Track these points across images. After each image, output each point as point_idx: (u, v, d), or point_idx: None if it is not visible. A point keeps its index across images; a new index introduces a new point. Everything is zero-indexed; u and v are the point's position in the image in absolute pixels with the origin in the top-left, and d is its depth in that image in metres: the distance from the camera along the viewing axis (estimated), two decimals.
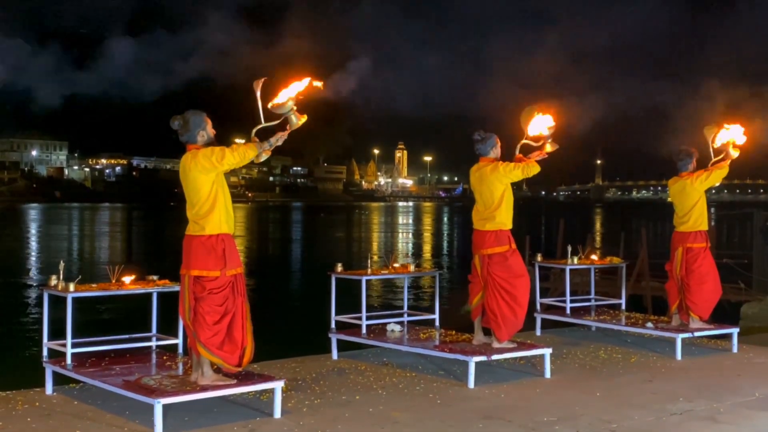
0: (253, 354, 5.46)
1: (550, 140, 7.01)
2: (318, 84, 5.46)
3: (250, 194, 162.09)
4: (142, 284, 6.19)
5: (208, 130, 5.45)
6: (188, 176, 5.34)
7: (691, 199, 8.05)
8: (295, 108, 5.41)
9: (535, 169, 6.86)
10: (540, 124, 7.01)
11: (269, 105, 5.39)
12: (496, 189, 6.86)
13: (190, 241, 5.38)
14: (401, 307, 8.10)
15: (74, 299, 5.77)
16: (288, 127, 5.42)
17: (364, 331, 7.35)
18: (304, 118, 5.44)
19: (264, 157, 5.45)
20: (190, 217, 5.38)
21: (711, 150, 8.17)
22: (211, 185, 5.32)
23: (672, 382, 6.56)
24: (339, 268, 7.44)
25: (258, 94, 5.34)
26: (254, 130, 5.38)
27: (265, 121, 5.38)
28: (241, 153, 5.29)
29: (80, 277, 6.36)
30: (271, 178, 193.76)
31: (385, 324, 7.64)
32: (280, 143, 5.43)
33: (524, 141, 7.04)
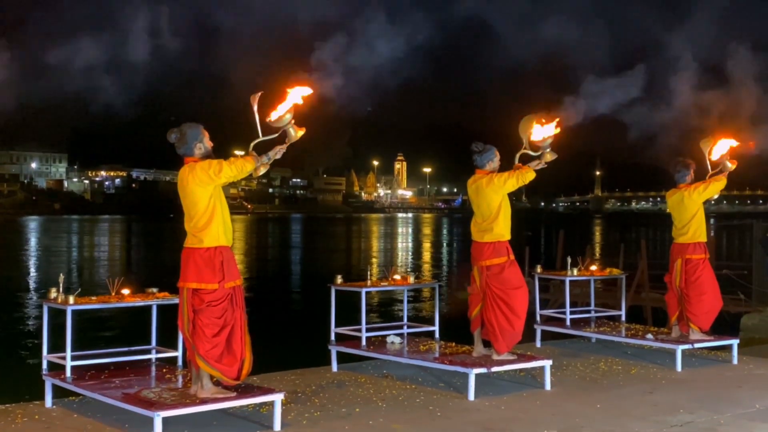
0: (252, 366, 5.45)
1: (548, 149, 7.02)
2: (303, 96, 5.47)
3: (249, 206, 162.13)
4: (141, 297, 6.19)
5: (205, 142, 5.45)
6: (186, 189, 5.35)
7: (690, 211, 8.06)
8: (293, 121, 5.43)
9: (530, 176, 6.85)
10: (539, 133, 7.03)
11: (267, 119, 5.41)
12: (492, 201, 6.86)
13: (188, 254, 5.38)
14: (401, 319, 8.09)
15: (74, 312, 5.77)
16: (286, 141, 5.44)
17: (363, 343, 7.34)
18: (302, 131, 5.45)
19: (262, 171, 5.47)
20: (188, 230, 5.38)
21: (708, 162, 8.18)
22: (208, 198, 5.32)
23: (672, 394, 6.55)
24: (339, 279, 7.44)
25: (255, 108, 5.35)
26: (252, 144, 5.40)
27: (263, 135, 5.40)
28: (239, 167, 5.30)
29: (80, 289, 6.35)
30: (270, 190, 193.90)
31: (385, 336, 7.63)
32: (278, 156, 5.45)
33: (523, 150, 7.05)
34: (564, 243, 22.65)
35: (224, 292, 5.32)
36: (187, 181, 5.34)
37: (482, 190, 6.89)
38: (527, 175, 6.84)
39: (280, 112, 5.41)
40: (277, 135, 5.43)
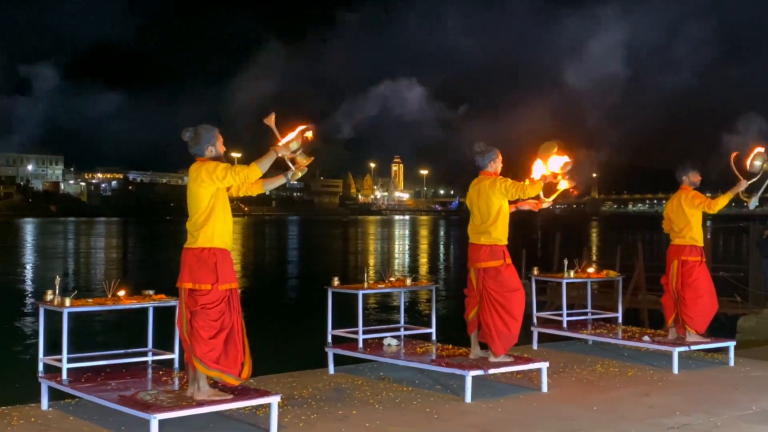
0: (251, 369, 5.44)
1: (566, 177, 6.92)
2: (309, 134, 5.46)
3: (246, 208, 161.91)
4: (138, 299, 6.18)
5: (218, 145, 5.46)
6: (190, 187, 5.37)
7: (686, 215, 8.07)
8: (299, 151, 5.41)
9: (535, 191, 6.74)
10: (557, 162, 6.90)
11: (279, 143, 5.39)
12: (492, 204, 6.85)
13: (184, 254, 5.38)
14: (398, 321, 8.08)
15: (70, 314, 5.76)
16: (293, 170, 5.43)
17: (360, 345, 7.34)
18: (301, 172, 5.44)
19: (293, 177, 5.42)
20: (188, 228, 5.39)
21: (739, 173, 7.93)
22: (209, 198, 5.32)
23: (669, 396, 6.56)
24: (335, 281, 7.43)
25: (274, 129, 5.35)
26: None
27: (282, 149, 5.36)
28: (243, 176, 5.28)
29: (76, 291, 6.33)
30: (267, 192, 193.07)
31: (382, 338, 7.62)
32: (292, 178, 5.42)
33: (544, 175, 6.86)
34: (561, 245, 22.69)
35: (219, 295, 5.31)
36: (191, 180, 5.38)
37: (484, 191, 6.87)
38: (532, 190, 6.72)
39: (287, 139, 5.38)
40: (298, 146, 5.39)
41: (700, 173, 8.26)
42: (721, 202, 7.98)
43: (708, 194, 8.21)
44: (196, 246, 5.32)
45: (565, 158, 6.92)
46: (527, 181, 6.84)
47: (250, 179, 5.35)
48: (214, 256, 5.33)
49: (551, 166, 6.92)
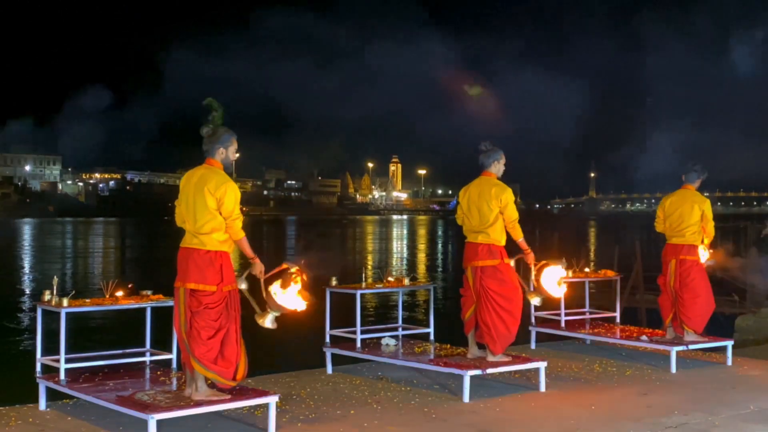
0: (247, 370, 5.44)
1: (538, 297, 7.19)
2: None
3: (244, 208, 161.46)
4: (135, 299, 6.17)
5: (230, 151, 5.52)
6: (200, 192, 5.34)
7: (695, 216, 8.01)
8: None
9: (516, 235, 6.87)
10: (551, 276, 7.13)
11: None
12: (492, 208, 6.82)
13: (187, 254, 5.36)
14: (396, 321, 8.08)
15: (68, 314, 5.75)
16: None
17: (358, 345, 7.34)
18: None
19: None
20: (191, 230, 5.38)
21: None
22: (218, 209, 5.38)
23: (667, 395, 6.56)
24: (333, 281, 7.43)
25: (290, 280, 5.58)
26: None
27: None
28: (231, 232, 5.49)
29: (74, 292, 6.32)
30: (265, 192, 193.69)
31: (380, 338, 7.62)
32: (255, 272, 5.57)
33: (534, 263, 7.05)
34: (559, 245, 22.69)
35: (222, 295, 5.33)
36: (208, 186, 5.33)
37: (485, 194, 6.84)
38: (517, 235, 6.88)
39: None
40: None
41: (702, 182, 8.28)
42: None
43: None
44: (203, 248, 5.33)
45: (559, 273, 7.15)
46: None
47: (235, 237, 5.53)
48: (221, 258, 5.37)
49: (546, 277, 7.14)
